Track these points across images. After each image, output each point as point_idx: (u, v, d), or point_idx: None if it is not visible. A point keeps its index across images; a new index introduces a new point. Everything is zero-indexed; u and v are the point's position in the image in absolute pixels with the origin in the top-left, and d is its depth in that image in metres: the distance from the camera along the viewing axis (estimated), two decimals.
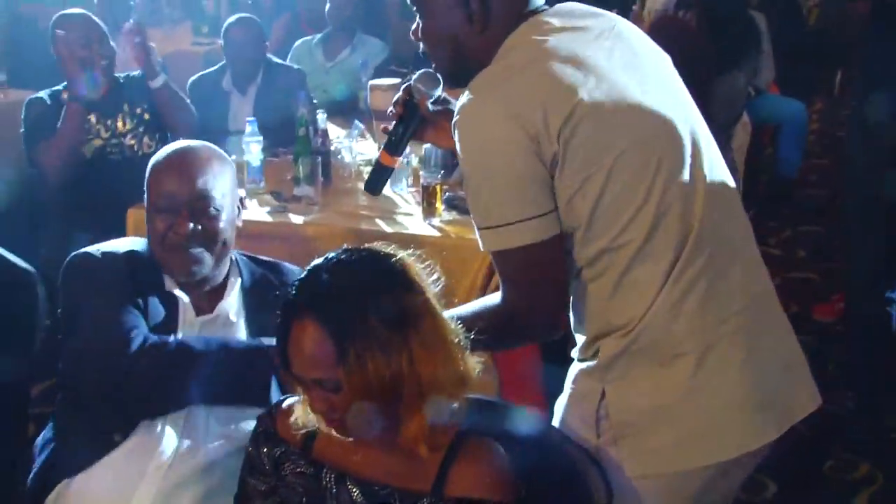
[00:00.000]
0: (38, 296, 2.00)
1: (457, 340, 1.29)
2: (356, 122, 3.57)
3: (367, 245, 1.33)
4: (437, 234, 2.69)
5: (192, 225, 1.68)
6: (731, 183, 1.53)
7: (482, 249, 1.41)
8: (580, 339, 1.49)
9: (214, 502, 1.57)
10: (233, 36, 3.71)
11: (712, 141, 1.53)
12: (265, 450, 1.39)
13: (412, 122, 1.62)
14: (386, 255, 1.29)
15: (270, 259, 1.91)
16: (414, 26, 1.52)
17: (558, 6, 1.51)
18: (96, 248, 1.76)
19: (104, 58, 3.19)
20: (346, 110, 4.00)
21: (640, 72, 1.45)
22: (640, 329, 1.39)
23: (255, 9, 6.26)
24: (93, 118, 3.19)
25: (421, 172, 2.86)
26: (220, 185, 1.73)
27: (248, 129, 3.16)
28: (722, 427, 1.41)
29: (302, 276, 1.30)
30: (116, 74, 3.29)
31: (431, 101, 1.60)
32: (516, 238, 1.37)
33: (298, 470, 1.35)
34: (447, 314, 1.35)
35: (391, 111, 1.64)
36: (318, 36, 4.53)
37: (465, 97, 1.39)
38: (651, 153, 1.39)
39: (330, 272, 1.27)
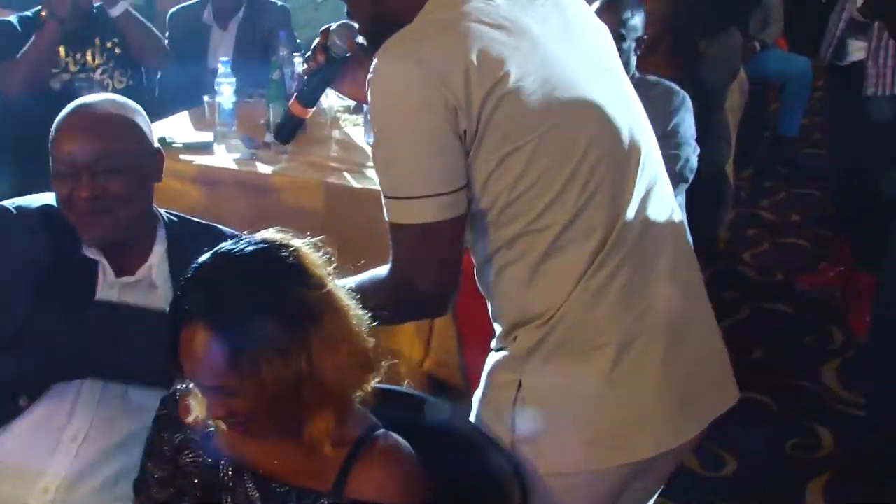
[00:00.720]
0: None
1: (360, 327, 1.23)
2: None
3: (260, 234, 1.25)
4: None
5: (94, 187, 1.59)
6: (664, 171, 1.48)
7: (386, 219, 1.33)
8: (498, 328, 1.43)
9: (131, 480, 1.53)
10: None
11: (648, 126, 1.46)
12: (165, 435, 1.34)
13: (328, 73, 1.54)
14: (280, 246, 1.21)
15: (203, 221, 1.83)
16: None
17: None
18: (13, 203, 1.69)
19: None
20: None
21: (575, 45, 1.37)
22: (558, 318, 1.33)
23: None
24: (62, 50, 3.09)
25: None
26: (126, 141, 1.64)
27: (221, 69, 3.06)
28: (640, 425, 1.36)
29: (189, 273, 1.22)
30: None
31: (346, 54, 1.52)
32: (419, 213, 1.28)
33: (198, 459, 1.31)
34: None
35: (308, 55, 1.57)
36: None
37: (381, 54, 1.29)
38: (579, 134, 1.31)
39: (220, 269, 1.20)
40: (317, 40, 1.54)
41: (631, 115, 1.41)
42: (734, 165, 3.75)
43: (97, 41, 3.15)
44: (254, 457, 1.28)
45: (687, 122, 2.61)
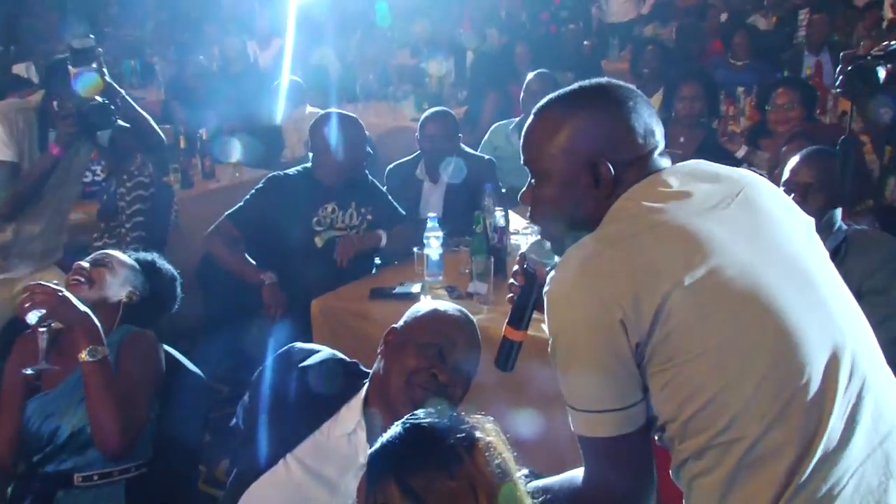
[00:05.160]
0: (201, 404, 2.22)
1: None
2: None
3: (463, 413, 1.30)
4: None
5: (451, 379, 1.75)
6: (887, 372, 1.36)
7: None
8: None
9: None
10: (427, 129, 3.87)
11: (857, 322, 1.37)
12: None
13: (533, 293, 1.52)
14: (458, 429, 1.25)
15: None
16: (525, 189, 1.46)
17: (682, 164, 1.42)
18: (301, 357, 1.90)
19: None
20: None
21: (762, 246, 1.33)
22: None
23: (472, 89, 6.49)
24: (329, 207, 3.45)
25: None
26: (477, 359, 1.83)
27: (429, 224, 3.28)
28: None
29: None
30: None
31: (549, 269, 1.48)
32: (600, 428, 1.31)
33: None
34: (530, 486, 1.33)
35: (512, 282, 1.57)
36: (516, 120, 4.62)
37: (557, 269, 1.33)
38: (763, 343, 1.26)
39: (404, 428, 1.28)
40: (515, 266, 1.57)
41: (833, 315, 1.32)
42: None
43: (354, 204, 3.50)
44: None
45: None
